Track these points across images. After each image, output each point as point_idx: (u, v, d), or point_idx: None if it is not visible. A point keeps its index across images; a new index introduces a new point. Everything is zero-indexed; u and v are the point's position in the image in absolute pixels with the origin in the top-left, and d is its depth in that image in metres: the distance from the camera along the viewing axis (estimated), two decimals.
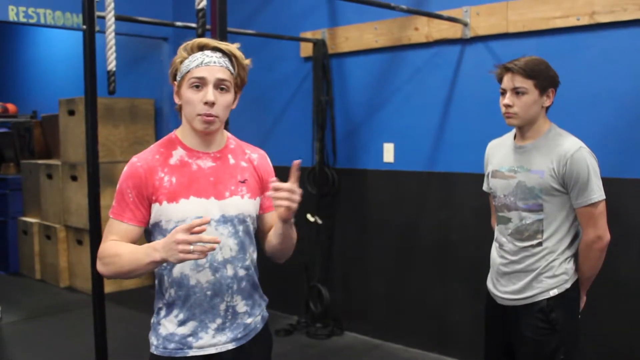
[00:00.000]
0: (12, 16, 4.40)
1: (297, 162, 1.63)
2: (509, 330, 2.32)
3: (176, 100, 1.72)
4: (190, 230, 1.49)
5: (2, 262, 6.23)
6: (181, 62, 1.68)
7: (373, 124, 4.12)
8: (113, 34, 2.77)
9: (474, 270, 3.41)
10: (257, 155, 1.85)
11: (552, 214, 2.21)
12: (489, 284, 2.42)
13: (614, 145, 3.11)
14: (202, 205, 1.69)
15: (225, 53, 1.69)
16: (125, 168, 1.71)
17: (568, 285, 2.23)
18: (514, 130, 2.36)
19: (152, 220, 1.70)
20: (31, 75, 7.87)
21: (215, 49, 1.68)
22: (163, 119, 5.70)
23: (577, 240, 2.28)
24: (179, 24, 3.60)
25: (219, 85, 1.66)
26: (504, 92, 2.25)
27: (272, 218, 1.85)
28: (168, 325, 1.73)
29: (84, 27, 2.80)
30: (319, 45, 4.25)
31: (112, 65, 2.84)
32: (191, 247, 1.48)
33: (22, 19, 4.46)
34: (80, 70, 2.95)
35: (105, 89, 2.91)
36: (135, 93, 5.60)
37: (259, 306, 1.85)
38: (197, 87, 1.65)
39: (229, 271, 1.72)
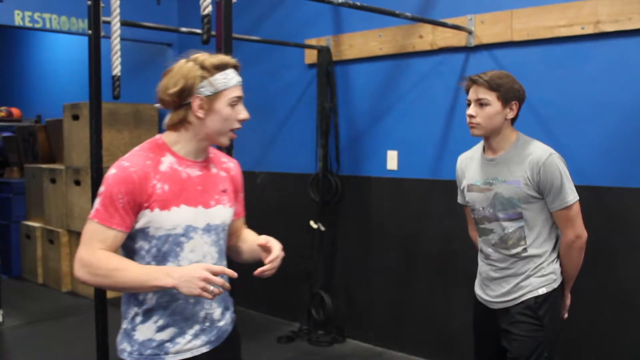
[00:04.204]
0: (17, 21, 4.42)
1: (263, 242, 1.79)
2: (500, 331, 2.38)
3: (200, 114, 1.69)
4: (213, 272, 1.56)
5: (5, 266, 6.21)
6: (208, 77, 1.69)
7: (377, 131, 4.11)
8: (118, 39, 2.78)
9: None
10: (234, 165, 1.92)
11: (532, 220, 2.29)
12: (478, 290, 2.50)
13: (618, 153, 3.09)
14: (192, 213, 1.72)
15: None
16: (115, 171, 1.65)
17: (555, 285, 2.33)
18: (481, 143, 2.43)
19: (137, 226, 1.67)
20: (36, 80, 7.89)
21: (236, 67, 1.76)
22: None
23: (559, 241, 2.37)
24: (184, 29, 3.61)
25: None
26: (469, 103, 2.32)
27: (239, 224, 1.96)
28: (145, 332, 1.73)
29: (90, 32, 2.81)
30: (324, 52, 4.26)
31: (117, 70, 2.85)
32: (211, 287, 1.56)
33: (28, 24, 4.48)
34: (84, 75, 2.96)
35: (109, 94, 2.91)
36: (139, 98, 5.60)
37: (228, 309, 1.90)
38: (233, 105, 1.73)
39: None
